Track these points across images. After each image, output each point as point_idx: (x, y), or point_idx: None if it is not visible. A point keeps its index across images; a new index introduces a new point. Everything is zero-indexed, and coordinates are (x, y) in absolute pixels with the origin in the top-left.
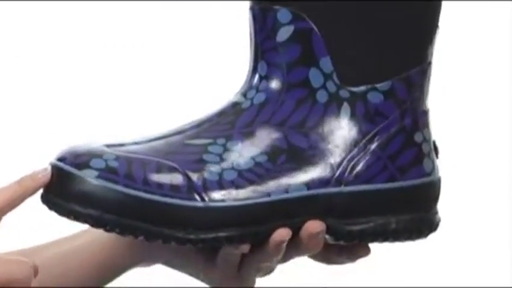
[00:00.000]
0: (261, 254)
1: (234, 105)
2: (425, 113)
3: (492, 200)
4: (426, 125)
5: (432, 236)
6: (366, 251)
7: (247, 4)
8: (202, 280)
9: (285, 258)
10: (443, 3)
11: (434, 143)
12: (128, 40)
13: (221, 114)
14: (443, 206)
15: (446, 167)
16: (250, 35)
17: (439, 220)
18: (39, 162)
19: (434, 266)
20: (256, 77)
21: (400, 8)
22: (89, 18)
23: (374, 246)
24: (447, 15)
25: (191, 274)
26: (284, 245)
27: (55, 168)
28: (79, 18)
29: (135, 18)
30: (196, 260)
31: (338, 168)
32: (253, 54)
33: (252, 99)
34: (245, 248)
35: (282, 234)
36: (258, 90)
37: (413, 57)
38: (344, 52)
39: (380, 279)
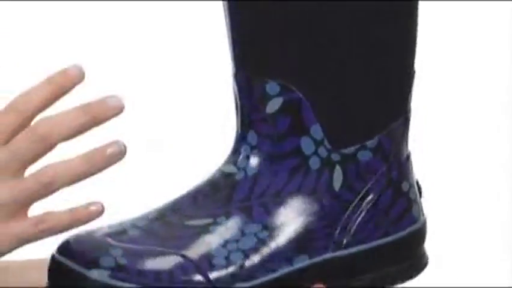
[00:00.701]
0: None
1: (228, 176)
2: (408, 157)
3: (492, 200)
4: (410, 170)
5: (431, 236)
6: None
7: None
8: None
9: None
10: (443, 5)
11: (417, 182)
12: (129, 42)
13: (215, 186)
14: (443, 207)
15: (447, 167)
16: (235, 98)
17: (427, 259)
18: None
19: (433, 266)
20: (247, 146)
21: (381, 67)
22: (90, 18)
23: None
24: (446, 16)
25: None
26: None
27: (61, 265)
28: (79, 18)
29: (137, 21)
30: None
31: (335, 231)
32: (240, 121)
33: (244, 169)
34: None
35: None
36: (249, 160)
37: (397, 109)
38: (333, 117)
39: None
